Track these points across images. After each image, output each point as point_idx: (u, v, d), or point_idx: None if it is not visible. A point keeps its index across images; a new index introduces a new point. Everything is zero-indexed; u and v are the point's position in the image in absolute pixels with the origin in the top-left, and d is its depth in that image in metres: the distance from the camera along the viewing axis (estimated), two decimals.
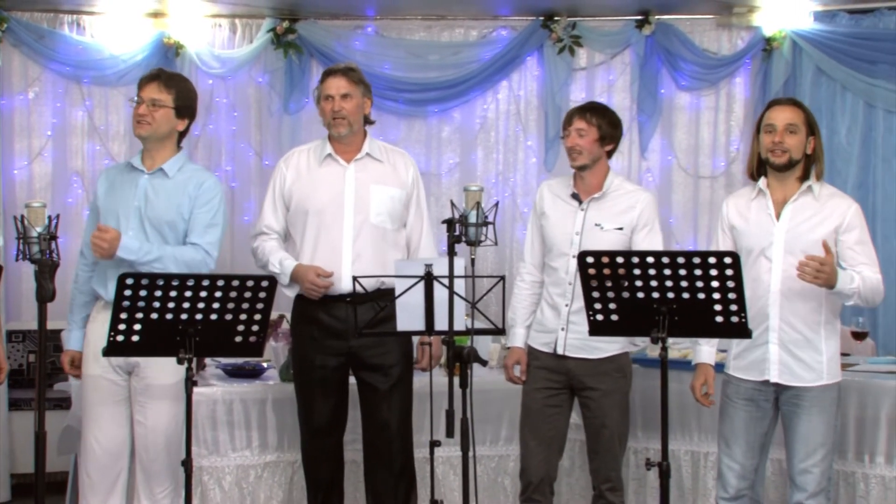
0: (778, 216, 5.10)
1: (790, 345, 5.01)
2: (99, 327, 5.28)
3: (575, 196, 5.55)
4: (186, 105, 5.49)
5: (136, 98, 5.41)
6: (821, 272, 4.81)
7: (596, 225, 5.47)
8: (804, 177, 5.12)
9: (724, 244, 5.22)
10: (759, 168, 5.19)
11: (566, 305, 5.47)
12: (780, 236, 5.06)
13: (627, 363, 5.59)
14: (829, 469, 5.05)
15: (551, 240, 5.55)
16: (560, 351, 5.49)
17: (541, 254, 5.64)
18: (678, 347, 6.17)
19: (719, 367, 5.31)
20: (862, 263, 5.00)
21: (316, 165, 5.65)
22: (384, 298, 5.19)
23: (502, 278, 4.87)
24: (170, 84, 5.45)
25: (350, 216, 5.56)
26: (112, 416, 5.40)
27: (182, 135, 5.55)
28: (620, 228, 5.48)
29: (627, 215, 5.50)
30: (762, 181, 5.16)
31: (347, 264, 5.49)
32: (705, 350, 5.28)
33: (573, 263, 5.36)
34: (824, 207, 5.07)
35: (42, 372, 4.70)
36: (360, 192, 5.58)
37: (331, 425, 5.66)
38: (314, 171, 5.65)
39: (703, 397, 5.28)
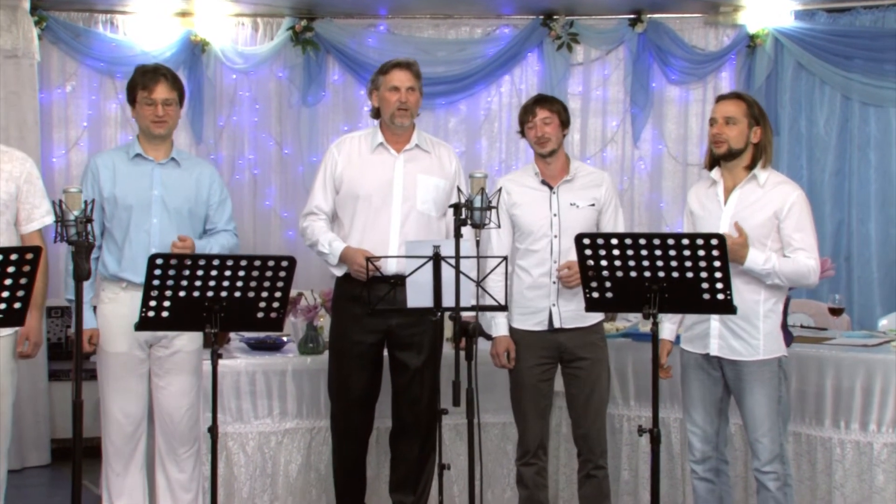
0: (726, 202, 5.10)
1: (729, 321, 5.01)
2: (121, 308, 5.31)
3: (544, 182, 5.54)
4: (183, 97, 5.52)
5: (145, 99, 5.35)
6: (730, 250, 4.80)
7: (571, 204, 5.49)
8: (752, 165, 5.11)
9: (687, 229, 5.23)
10: (713, 159, 5.19)
11: (553, 282, 5.46)
12: (726, 220, 5.06)
13: (604, 331, 5.64)
14: (779, 436, 5.05)
15: (529, 226, 5.53)
16: (556, 325, 5.48)
17: (509, 245, 5.59)
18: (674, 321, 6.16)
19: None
20: (798, 249, 4.99)
21: (367, 153, 5.60)
22: None
23: (505, 259, 4.90)
24: (175, 81, 5.46)
25: (398, 203, 5.52)
26: (135, 389, 5.42)
27: None
28: (593, 205, 5.53)
29: (596, 192, 5.55)
30: (715, 171, 5.17)
31: (394, 248, 5.45)
32: (667, 327, 5.29)
33: (556, 243, 5.44)
34: (768, 194, 5.05)
35: (79, 345, 4.69)
36: (408, 181, 5.54)
37: (364, 399, 5.63)
38: (365, 158, 5.59)
39: (662, 369, 5.31)
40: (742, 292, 4.94)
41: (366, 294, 5.38)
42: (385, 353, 5.62)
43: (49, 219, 5.34)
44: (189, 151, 8.21)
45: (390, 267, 5.35)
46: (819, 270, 5.05)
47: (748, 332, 5.01)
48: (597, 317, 5.50)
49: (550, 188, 5.53)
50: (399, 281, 5.07)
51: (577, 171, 5.59)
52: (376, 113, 5.64)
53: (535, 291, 5.52)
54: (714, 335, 5.06)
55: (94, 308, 5.47)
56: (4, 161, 5.23)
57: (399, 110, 5.50)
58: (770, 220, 5.00)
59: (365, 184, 5.52)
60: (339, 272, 5.55)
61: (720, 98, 5.24)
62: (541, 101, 5.60)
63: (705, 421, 5.15)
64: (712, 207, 5.14)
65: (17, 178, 5.23)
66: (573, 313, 5.43)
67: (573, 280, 5.30)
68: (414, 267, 4.75)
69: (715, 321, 5.03)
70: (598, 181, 5.60)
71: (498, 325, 5.55)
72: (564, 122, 5.57)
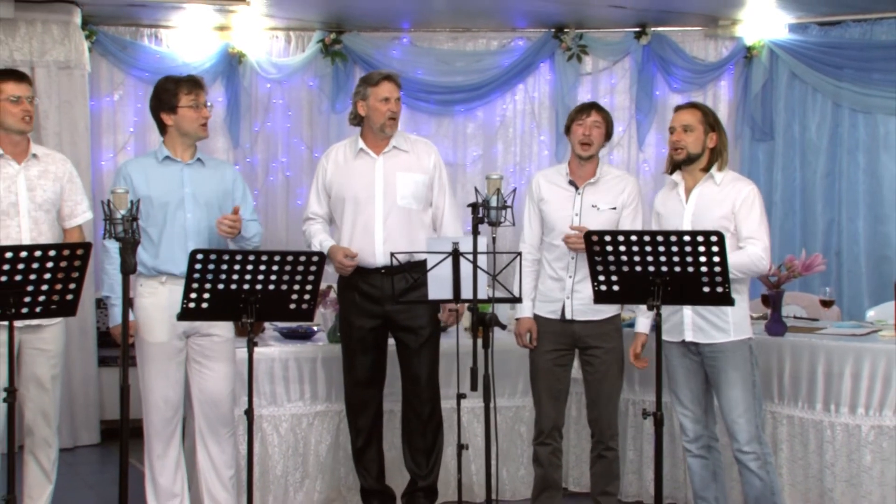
0: (687, 201, 5.14)
1: (700, 309, 5.05)
2: (160, 300, 5.31)
3: (571, 183, 5.52)
4: None
5: (190, 102, 5.34)
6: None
7: (593, 206, 5.46)
8: (708, 167, 5.13)
9: (654, 228, 5.25)
10: (675, 164, 5.22)
11: (570, 276, 5.45)
12: (688, 217, 5.12)
13: (619, 322, 5.60)
14: (755, 417, 5.09)
15: (553, 222, 5.51)
16: (568, 316, 5.46)
17: (539, 235, 5.59)
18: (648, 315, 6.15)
19: None
20: (747, 238, 5.02)
21: (351, 158, 5.65)
22: (415, 270, 5.20)
23: (519, 254, 4.89)
24: (202, 86, 5.47)
25: (380, 201, 5.57)
26: (173, 376, 5.42)
27: None
28: (614, 208, 5.48)
29: (619, 197, 5.50)
30: (676, 174, 5.21)
31: (380, 242, 5.52)
32: (641, 321, 5.36)
33: None
34: (723, 191, 5.09)
35: (126, 333, 4.71)
36: (388, 180, 5.58)
37: (370, 378, 5.68)
38: (350, 164, 5.65)
39: (636, 359, 5.39)
40: None
41: (361, 284, 5.55)
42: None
43: (89, 214, 5.43)
44: (226, 155, 8.30)
45: (378, 259, 5.47)
46: (769, 253, 5.09)
47: (718, 317, 5.06)
48: (611, 310, 5.48)
49: (576, 188, 5.51)
50: (392, 271, 5.28)
51: (604, 174, 5.54)
52: (358, 120, 5.65)
53: (553, 283, 5.50)
54: (687, 323, 5.10)
55: (131, 301, 5.47)
56: (49, 163, 5.30)
57: (389, 120, 5.55)
58: (728, 215, 5.06)
59: (350, 186, 5.59)
60: (331, 268, 5.59)
61: (678, 108, 5.28)
62: (596, 106, 5.62)
63: (693, 403, 5.19)
64: (675, 206, 5.19)
65: (60, 178, 5.30)
66: (585, 307, 5.39)
67: (578, 244, 5.19)
68: (434, 262, 4.77)
69: (687, 310, 5.08)
70: (622, 186, 5.53)
71: (522, 308, 5.54)
72: (609, 134, 5.57)
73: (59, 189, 5.28)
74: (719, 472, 5.29)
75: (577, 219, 5.43)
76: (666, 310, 5.05)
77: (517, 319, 5.59)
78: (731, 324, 5.06)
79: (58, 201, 5.28)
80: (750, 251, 5.01)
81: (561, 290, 5.48)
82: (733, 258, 4.89)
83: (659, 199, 5.35)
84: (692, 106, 5.25)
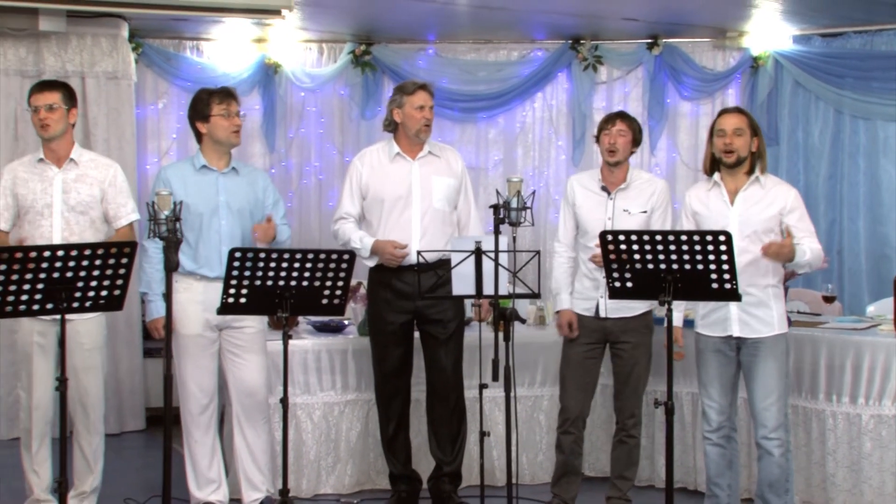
0: (732, 203, 5.07)
1: (746, 305, 4.99)
2: (195, 296, 5.34)
3: (604, 188, 5.49)
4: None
5: (222, 112, 5.38)
6: (780, 252, 4.89)
7: (624, 210, 5.44)
8: (751, 171, 5.08)
9: (688, 227, 5.16)
10: (712, 165, 5.16)
11: (603, 277, 5.42)
12: (735, 219, 5.03)
13: (651, 320, 5.56)
14: (784, 407, 5.06)
15: (586, 225, 5.50)
16: (602, 314, 5.44)
17: (573, 235, 5.58)
18: (681, 309, 6.12)
19: (689, 323, 5.33)
20: (804, 237, 4.99)
21: (387, 162, 5.63)
22: (443, 268, 5.21)
23: (538, 253, 4.88)
24: (235, 96, 5.50)
25: (418, 202, 5.56)
26: (207, 366, 5.45)
27: None
28: (644, 212, 5.45)
29: (649, 201, 5.47)
30: (717, 175, 5.14)
31: (416, 241, 5.50)
32: (676, 315, 5.24)
33: None
34: (769, 194, 5.04)
35: (169, 326, 4.73)
36: (425, 183, 5.57)
37: (399, 369, 5.67)
38: (386, 167, 5.62)
39: (676, 352, 5.31)
40: (753, 280, 4.96)
41: (394, 281, 5.52)
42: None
43: (135, 215, 5.44)
44: (263, 160, 8.31)
45: (412, 258, 5.42)
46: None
47: (764, 312, 5.01)
48: (643, 307, 5.45)
49: (608, 193, 5.48)
50: (422, 268, 5.24)
51: (634, 178, 5.50)
52: (393, 126, 5.63)
53: (588, 282, 5.49)
54: (734, 319, 5.03)
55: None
56: (90, 168, 5.32)
57: (424, 126, 5.54)
58: (775, 216, 5.01)
59: (388, 188, 5.57)
60: (370, 263, 5.60)
61: (725, 112, 5.18)
62: (622, 114, 5.56)
63: (721, 395, 5.13)
64: (719, 208, 5.09)
65: (101, 182, 5.32)
66: (618, 305, 5.34)
67: (599, 260, 5.16)
68: (458, 260, 4.77)
69: (733, 306, 5.01)
70: (652, 190, 5.50)
71: (561, 301, 5.53)
72: (636, 140, 5.52)
73: (97, 192, 5.29)
74: (735, 461, 5.24)
75: (609, 223, 5.41)
76: (709, 305, 5.08)
77: (557, 312, 5.57)
78: (776, 318, 5.03)
79: (95, 204, 5.29)
80: (813, 248, 4.98)
81: (595, 289, 5.45)
82: (814, 250, 4.97)
83: (694, 198, 5.23)
84: (739, 111, 5.18)
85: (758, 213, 5.02)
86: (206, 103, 5.38)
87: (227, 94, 5.42)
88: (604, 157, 5.49)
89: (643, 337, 5.50)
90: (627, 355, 5.48)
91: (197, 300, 5.31)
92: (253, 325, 5.42)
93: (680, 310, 5.22)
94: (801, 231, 4.99)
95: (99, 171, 5.33)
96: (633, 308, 5.40)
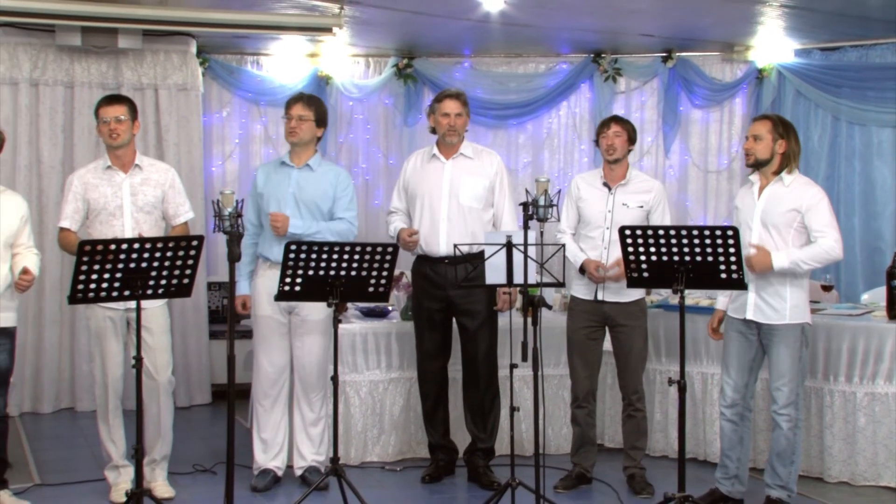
0: (759, 198, 5.05)
1: (762, 292, 4.97)
2: (267, 281, 5.40)
3: (605, 184, 5.50)
4: (322, 118, 5.57)
5: (285, 116, 5.51)
6: (749, 265, 4.83)
7: (623, 204, 5.45)
8: (780, 170, 5.03)
9: (734, 220, 5.17)
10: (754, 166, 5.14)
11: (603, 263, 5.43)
12: (758, 213, 5.02)
13: (644, 305, 5.59)
14: (797, 387, 5.00)
15: (588, 217, 5.51)
16: (600, 297, 5.46)
17: (574, 222, 5.58)
18: (692, 297, 6.10)
19: (708, 310, 5.37)
20: (818, 234, 4.92)
21: (426, 163, 5.67)
22: (473, 260, 5.23)
23: (563, 246, 4.87)
24: (310, 103, 5.53)
25: (445, 199, 5.56)
26: (278, 345, 5.50)
27: (319, 139, 5.62)
28: (641, 206, 5.46)
29: (645, 196, 5.48)
30: (754, 175, 5.12)
31: (444, 234, 5.52)
32: (721, 299, 5.28)
33: (607, 233, 5.41)
34: (791, 192, 4.99)
35: (232, 311, 4.76)
36: (454, 182, 5.58)
37: (436, 352, 5.69)
38: (424, 167, 5.67)
39: (714, 332, 5.30)
40: (775, 270, 4.93)
41: (429, 272, 5.55)
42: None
43: (190, 214, 5.49)
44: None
45: (442, 249, 5.47)
46: (841, 243, 4.96)
47: (776, 301, 4.96)
48: (636, 294, 5.47)
49: (609, 189, 5.48)
50: (451, 261, 5.33)
51: (633, 177, 5.53)
52: (434, 130, 5.67)
53: None
54: (750, 303, 5.01)
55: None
56: (152, 172, 5.37)
57: (449, 131, 5.56)
58: (791, 212, 4.95)
59: (422, 186, 5.61)
60: (405, 254, 5.57)
61: (753, 119, 5.23)
62: (615, 119, 5.59)
63: (738, 374, 5.10)
64: (748, 202, 5.10)
65: (162, 185, 5.36)
66: (614, 290, 5.41)
67: (598, 279, 5.37)
68: (491, 252, 4.78)
69: (751, 292, 4.98)
70: (648, 188, 5.52)
71: (578, 258, 5.47)
72: (632, 139, 5.53)
73: (160, 194, 5.34)
74: (746, 437, 5.19)
75: (609, 215, 5.42)
76: (733, 291, 5.02)
77: (580, 269, 5.48)
78: (788, 308, 4.96)
79: (159, 204, 5.34)
80: (821, 243, 4.91)
81: None
82: (806, 251, 4.91)
83: (739, 196, 5.24)
84: (764, 117, 5.15)
85: (776, 208, 4.98)
86: (285, 109, 5.56)
87: (289, 101, 5.56)
88: (604, 157, 5.53)
89: (638, 320, 5.52)
90: (625, 337, 5.50)
91: (268, 285, 5.35)
92: (315, 312, 5.44)
93: (726, 295, 5.22)
94: (815, 229, 4.92)
95: (160, 175, 5.38)
96: (627, 294, 5.41)
